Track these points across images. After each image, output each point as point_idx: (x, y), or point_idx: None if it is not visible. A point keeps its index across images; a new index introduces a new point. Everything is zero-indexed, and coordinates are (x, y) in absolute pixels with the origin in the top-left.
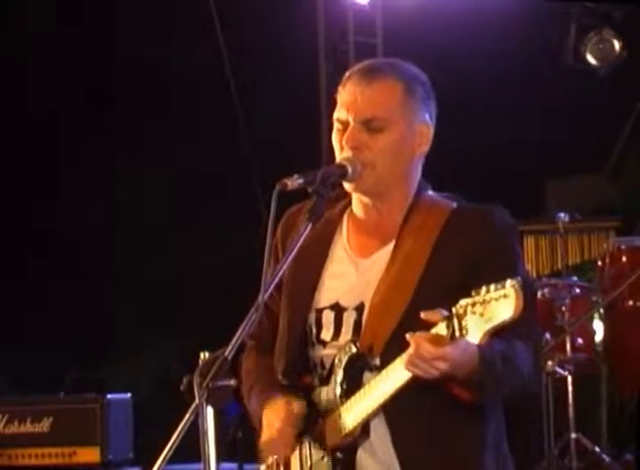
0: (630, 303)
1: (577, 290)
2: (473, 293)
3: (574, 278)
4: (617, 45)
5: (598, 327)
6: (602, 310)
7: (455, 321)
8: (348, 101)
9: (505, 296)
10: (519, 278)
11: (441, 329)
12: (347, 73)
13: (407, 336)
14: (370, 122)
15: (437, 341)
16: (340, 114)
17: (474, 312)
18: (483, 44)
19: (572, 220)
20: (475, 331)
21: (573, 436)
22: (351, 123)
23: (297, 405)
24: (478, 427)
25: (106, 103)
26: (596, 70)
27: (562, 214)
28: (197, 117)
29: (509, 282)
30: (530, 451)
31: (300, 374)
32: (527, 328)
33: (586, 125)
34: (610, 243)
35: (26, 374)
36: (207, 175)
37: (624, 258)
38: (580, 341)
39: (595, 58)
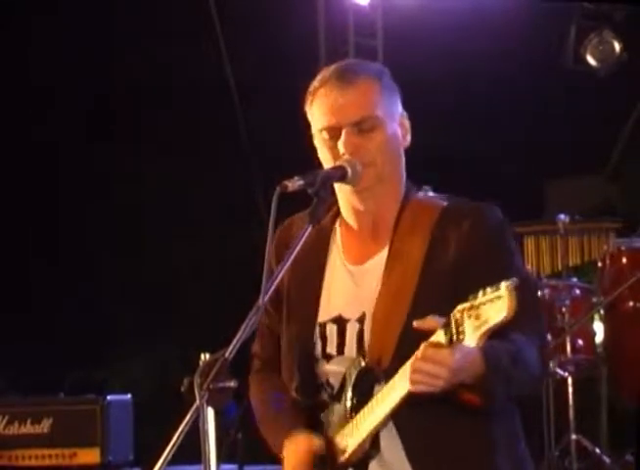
0: (630, 304)
1: (578, 291)
2: (470, 297)
3: (575, 279)
4: (617, 46)
5: (598, 328)
6: (602, 311)
7: (453, 327)
8: (333, 108)
9: (498, 297)
10: (514, 279)
11: (440, 336)
12: (317, 84)
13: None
14: (361, 124)
15: (437, 348)
16: (326, 122)
17: (470, 316)
18: (484, 45)
19: (573, 221)
20: (471, 335)
21: (574, 437)
22: (343, 128)
23: (317, 443)
24: (488, 429)
25: (106, 103)
26: (596, 72)
27: (562, 215)
28: (197, 117)
29: (503, 284)
30: (531, 453)
31: (313, 391)
32: (530, 323)
33: (586, 126)
34: (610, 244)
35: (26, 375)
36: (207, 175)
37: (625, 260)
38: (581, 342)
39: (595, 59)
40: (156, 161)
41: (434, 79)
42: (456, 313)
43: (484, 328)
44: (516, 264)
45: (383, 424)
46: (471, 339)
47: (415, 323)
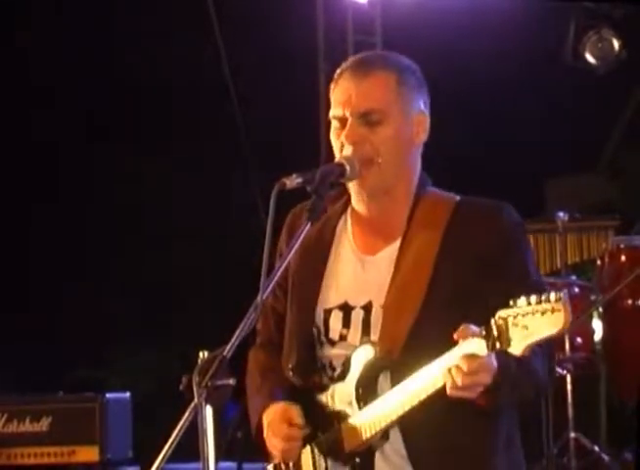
0: (629, 302)
1: (576, 289)
2: (511, 303)
3: (573, 277)
4: (616, 44)
5: (597, 326)
6: (601, 309)
7: (495, 333)
8: (344, 97)
9: (553, 310)
10: (565, 292)
11: (479, 343)
12: (339, 71)
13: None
14: (368, 116)
15: (476, 358)
16: (336, 111)
17: (516, 324)
18: (483, 43)
19: (572, 219)
20: (517, 344)
21: (572, 435)
22: (349, 119)
23: (296, 413)
24: (489, 432)
25: (106, 103)
26: (595, 70)
27: (561, 213)
28: (197, 117)
29: (554, 295)
30: (529, 451)
31: (310, 373)
32: None
33: (586, 125)
34: (609, 242)
35: (26, 373)
36: (207, 175)
37: (623, 258)
38: (579, 340)
39: (594, 57)
40: (156, 161)
41: (433, 78)
42: (498, 320)
43: (534, 339)
44: (532, 267)
45: (399, 419)
46: (517, 348)
47: (455, 335)
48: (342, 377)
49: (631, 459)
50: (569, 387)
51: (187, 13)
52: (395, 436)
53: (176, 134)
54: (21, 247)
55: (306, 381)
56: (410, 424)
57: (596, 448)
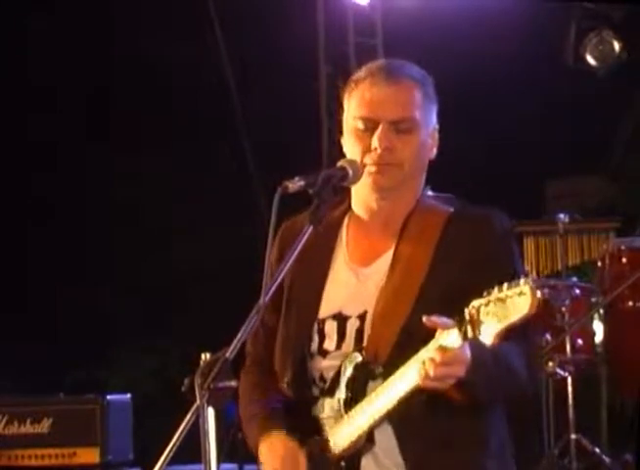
0: (630, 303)
1: (577, 291)
2: (485, 293)
3: (574, 279)
4: (616, 46)
5: (598, 328)
6: (602, 311)
7: (468, 322)
8: (375, 100)
9: (521, 293)
10: (532, 277)
11: (453, 334)
12: (364, 73)
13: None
14: (399, 124)
15: (451, 350)
16: (363, 111)
17: (487, 313)
18: (483, 44)
19: (572, 221)
20: (488, 331)
21: (573, 436)
22: (381, 124)
23: (291, 445)
24: (481, 432)
25: (106, 103)
26: (596, 71)
27: (562, 215)
28: (197, 116)
29: (523, 280)
30: (530, 452)
31: (305, 386)
32: (522, 331)
33: (586, 125)
34: (610, 243)
35: (26, 374)
36: (207, 175)
37: (624, 259)
38: (580, 342)
39: (595, 58)
40: (155, 161)
41: (433, 79)
42: (471, 309)
43: (505, 324)
44: (520, 273)
45: (382, 420)
46: (488, 335)
47: (425, 320)
48: (333, 389)
49: (632, 461)
50: (569, 388)
51: (187, 13)
52: (387, 438)
53: (176, 134)
54: (20, 247)
55: (301, 394)
56: (403, 427)
57: (597, 450)
